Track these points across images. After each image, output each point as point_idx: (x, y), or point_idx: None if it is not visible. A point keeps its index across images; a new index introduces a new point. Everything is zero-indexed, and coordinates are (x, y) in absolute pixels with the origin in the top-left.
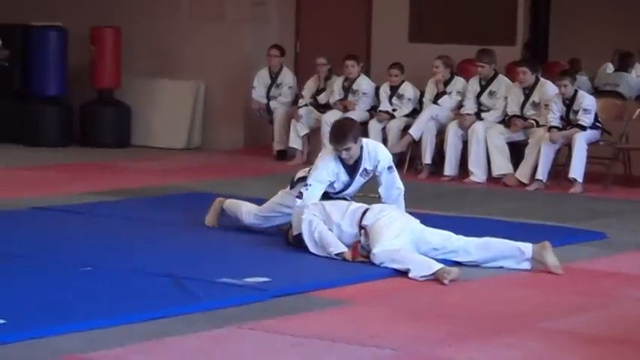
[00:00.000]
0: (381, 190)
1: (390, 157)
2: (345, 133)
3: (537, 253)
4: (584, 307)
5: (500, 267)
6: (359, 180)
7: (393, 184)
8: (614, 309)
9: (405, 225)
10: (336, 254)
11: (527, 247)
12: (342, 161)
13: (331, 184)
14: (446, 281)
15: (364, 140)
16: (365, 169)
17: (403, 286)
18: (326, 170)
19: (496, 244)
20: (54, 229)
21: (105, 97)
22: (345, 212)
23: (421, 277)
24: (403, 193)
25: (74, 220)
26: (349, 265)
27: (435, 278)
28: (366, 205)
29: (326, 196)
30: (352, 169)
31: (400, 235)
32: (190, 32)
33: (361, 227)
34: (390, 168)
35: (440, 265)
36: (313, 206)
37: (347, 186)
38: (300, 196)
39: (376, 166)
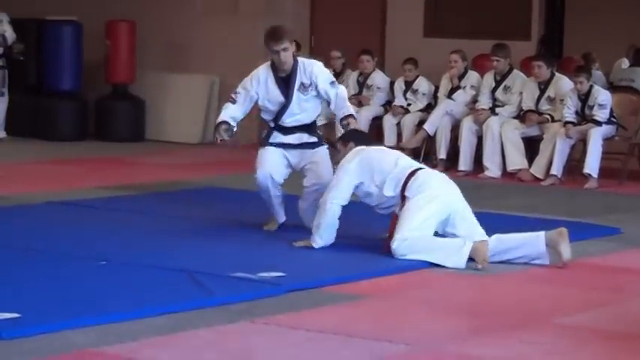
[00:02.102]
0: (332, 107)
1: (328, 71)
2: (283, 31)
3: (552, 240)
4: (600, 302)
5: (518, 257)
6: (299, 97)
7: (344, 100)
8: (629, 304)
9: (437, 210)
10: None
11: (540, 234)
12: (275, 74)
13: (266, 108)
14: (480, 266)
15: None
16: (302, 84)
17: (418, 280)
18: (253, 78)
19: (509, 236)
20: (69, 224)
21: (119, 91)
22: (390, 170)
23: (452, 266)
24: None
25: (89, 215)
26: (364, 260)
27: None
28: (413, 164)
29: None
30: (286, 83)
31: (426, 223)
32: (205, 26)
33: (403, 196)
34: (332, 83)
35: (469, 245)
36: (351, 176)
37: (285, 105)
38: (232, 100)
39: (316, 84)
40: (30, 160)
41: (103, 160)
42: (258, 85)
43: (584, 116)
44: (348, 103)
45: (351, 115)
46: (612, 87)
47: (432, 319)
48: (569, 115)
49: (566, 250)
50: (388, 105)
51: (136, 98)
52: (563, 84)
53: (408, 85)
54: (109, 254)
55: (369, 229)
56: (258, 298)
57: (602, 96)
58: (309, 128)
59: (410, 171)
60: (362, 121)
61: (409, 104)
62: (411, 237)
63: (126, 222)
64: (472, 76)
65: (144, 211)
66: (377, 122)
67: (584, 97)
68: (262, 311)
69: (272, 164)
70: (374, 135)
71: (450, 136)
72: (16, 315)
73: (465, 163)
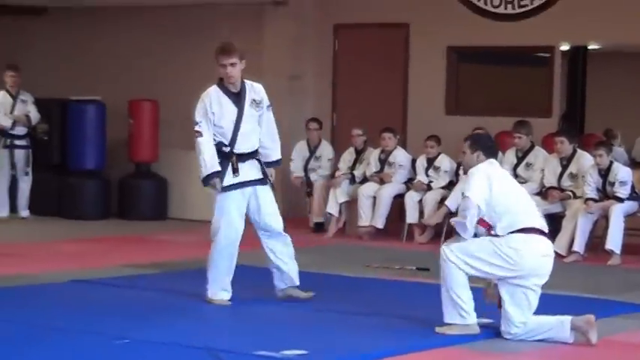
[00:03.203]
0: (262, 136)
1: None
2: (233, 47)
3: (580, 327)
4: None
5: (543, 339)
6: (251, 112)
7: (273, 127)
8: None
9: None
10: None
11: (565, 322)
12: (226, 90)
13: (220, 129)
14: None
15: None
16: (253, 100)
17: (447, 356)
18: (204, 100)
19: (539, 319)
20: (92, 302)
21: (142, 170)
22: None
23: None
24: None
25: (112, 293)
26: (388, 336)
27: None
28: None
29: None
30: (238, 98)
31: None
32: None
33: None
34: (269, 106)
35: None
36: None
37: (237, 121)
38: (198, 134)
39: (261, 101)
40: (53, 238)
41: (126, 238)
42: (211, 104)
43: (605, 193)
44: (278, 140)
45: (277, 162)
46: (634, 163)
47: None
48: (590, 191)
49: (593, 336)
50: (410, 182)
51: (158, 176)
52: (585, 160)
53: (430, 162)
54: (131, 332)
55: (395, 305)
56: None
57: (622, 173)
58: (257, 156)
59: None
60: (383, 198)
61: (431, 181)
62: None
63: (149, 300)
64: None
65: (167, 289)
66: (399, 199)
67: (605, 174)
68: None
69: (237, 215)
70: (396, 212)
71: None
72: None
73: None
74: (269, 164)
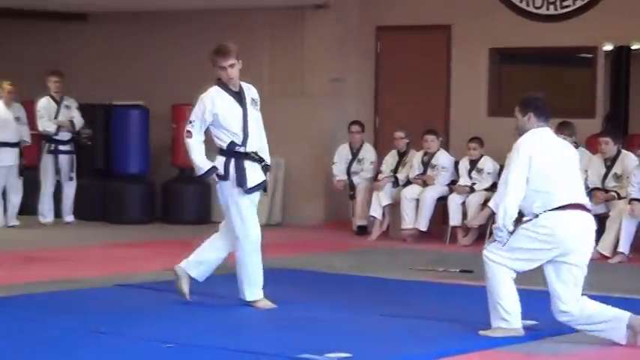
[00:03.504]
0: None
1: None
2: (230, 48)
3: (634, 326)
4: None
5: (597, 331)
6: (252, 111)
7: (263, 130)
8: None
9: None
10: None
11: (623, 318)
12: (228, 90)
13: (229, 129)
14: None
15: None
16: (252, 99)
17: (490, 359)
18: (204, 101)
19: (600, 308)
20: (136, 307)
21: (186, 174)
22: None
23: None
24: None
25: (156, 297)
26: (431, 339)
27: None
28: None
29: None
30: (239, 96)
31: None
32: (269, 108)
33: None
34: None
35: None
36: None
37: (244, 119)
38: (188, 135)
39: (258, 101)
40: (98, 243)
41: (170, 242)
42: (214, 105)
43: None
44: (266, 144)
45: (268, 167)
46: None
47: None
48: (634, 191)
49: None
50: (453, 184)
51: (202, 181)
52: (629, 160)
53: (473, 164)
54: (176, 337)
55: (439, 308)
56: None
57: None
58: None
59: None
60: (427, 200)
61: (474, 183)
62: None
63: (192, 304)
64: None
65: (210, 294)
66: (442, 202)
67: None
68: None
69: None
70: (439, 215)
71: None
72: None
73: None
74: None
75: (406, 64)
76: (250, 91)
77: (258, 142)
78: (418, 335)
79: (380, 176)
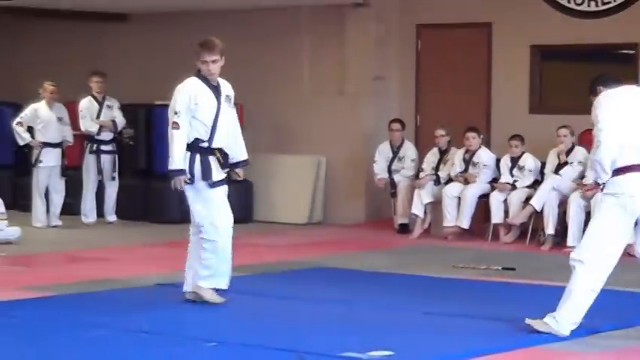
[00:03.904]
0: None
1: None
2: (216, 44)
3: None
4: None
5: None
6: (226, 109)
7: (239, 127)
8: None
9: None
10: None
11: None
12: (206, 82)
13: (201, 121)
14: None
15: None
16: (227, 95)
17: (533, 356)
18: (184, 92)
19: None
20: (179, 306)
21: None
22: None
23: None
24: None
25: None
26: (474, 337)
27: None
28: None
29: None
30: (217, 90)
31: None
32: (311, 107)
33: None
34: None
35: None
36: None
37: (217, 114)
38: (175, 126)
39: (232, 98)
40: (140, 243)
41: None
42: (196, 96)
43: None
44: (242, 140)
45: (245, 162)
46: None
47: None
48: None
49: None
50: (494, 182)
51: (243, 180)
52: None
53: (514, 161)
54: (219, 335)
55: (481, 305)
56: None
57: None
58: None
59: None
60: (468, 198)
61: (515, 181)
62: None
63: (235, 303)
64: (579, 151)
65: (252, 292)
66: (484, 199)
67: None
68: None
69: (228, 207)
70: (481, 212)
71: (557, 211)
72: None
73: (573, 238)
74: (237, 164)
75: (447, 62)
76: (226, 88)
77: (226, 138)
78: (460, 333)
79: (421, 174)
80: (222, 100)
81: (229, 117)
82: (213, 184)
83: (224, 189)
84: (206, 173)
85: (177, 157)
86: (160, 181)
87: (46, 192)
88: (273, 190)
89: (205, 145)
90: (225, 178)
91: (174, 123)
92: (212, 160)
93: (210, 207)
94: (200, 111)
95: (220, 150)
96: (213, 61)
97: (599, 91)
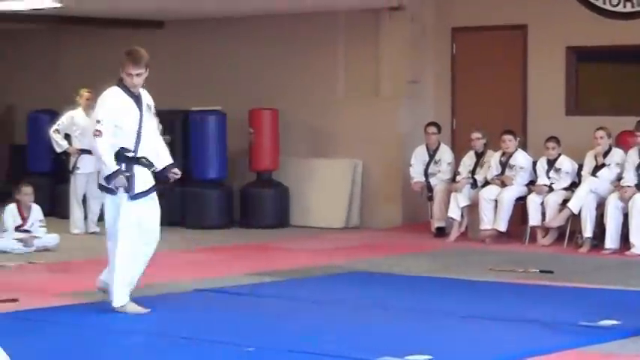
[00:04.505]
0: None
1: None
2: (142, 57)
3: None
4: None
5: None
6: (147, 116)
7: (157, 131)
8: None
9: None
10: None
11: None
12: (128, 92)
13: (124, 130)
14: None
15: None
16: (148, 105)
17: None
18: (107, 101)
19: None
20: (216, 311)
21: (264, 178)
22: None
23: None
24: None
25: (236, 301)
26: (512, 340)
27: None
28: None
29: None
30: (138, 100)
31: None
32: (346, 111)
33: None
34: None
35: None
36: None
37: (140, 123)
38: (98, 134)
39: (152, 107)
40: (177, 248)
41: (249, 246)
42: (118, 106)
43: None
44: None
45: (173, 165)
46: None
47: None
48: None
49: None
50: (531, 184)
51: (279, 185)
52: None
53: (551, 163)
54: (257, 340)
55: (519, 308)
56: None
57: None
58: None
59: None
60: (505, 201)
61: (552, 183)
62: None
63: (272, 308)
64: (617, 153)
65: (289, 297)
66: (520, 202)
67: None
68: None
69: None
70: (518, 215)
71: (595, 214)
72: None
73: (611, 240)
74: (165, 169)
75: (482, 65)
76: (146, 97)
77: (149, 146)
78: (498, 336)
79: (458, 177)
80: (143, 109)
81: (151, 126)
82: (135, 196)
83: (149, 201)
84: (129, 186)
85: (109, 161)
86: (196, 186)
87: (83, 199)
88: (309, 195)
89: (131, 154)
90: (153, 186)
91: (97, 131)
92: (138, 169)
93: (125, 219)
94: (124, 120)
95: (145, 158)
96: (138, 75)
97: None
